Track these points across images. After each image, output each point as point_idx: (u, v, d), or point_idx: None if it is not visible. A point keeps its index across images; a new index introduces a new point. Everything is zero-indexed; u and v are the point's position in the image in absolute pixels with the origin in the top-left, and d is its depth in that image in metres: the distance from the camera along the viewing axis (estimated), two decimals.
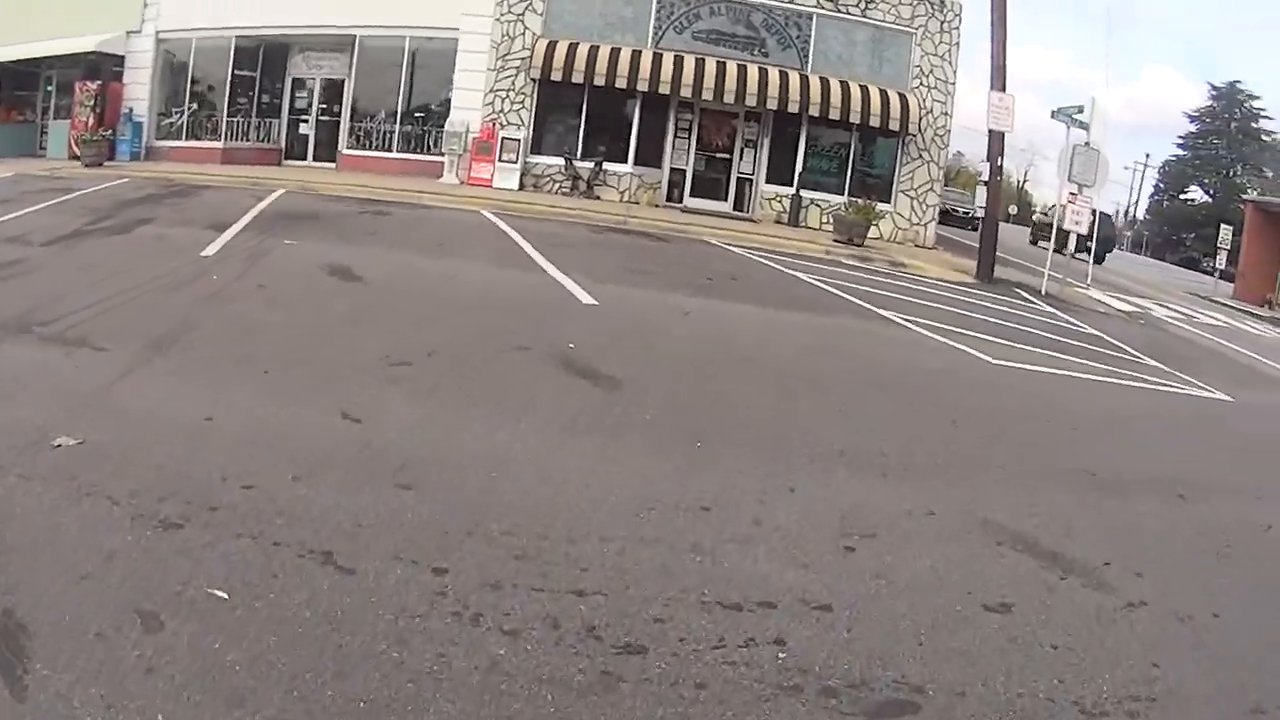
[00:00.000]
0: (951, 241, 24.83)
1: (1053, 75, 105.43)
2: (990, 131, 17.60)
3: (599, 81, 19.26)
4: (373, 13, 21.79)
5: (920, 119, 20.30)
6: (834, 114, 19.58)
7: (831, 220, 18.57)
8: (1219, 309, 23.93)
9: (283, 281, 8.57)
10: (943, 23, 21.10)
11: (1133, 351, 11.63)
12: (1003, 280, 17.46)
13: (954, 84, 21.36)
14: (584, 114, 20.58)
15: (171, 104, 23.77)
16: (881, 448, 5.57)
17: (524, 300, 8.78)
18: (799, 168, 20.58)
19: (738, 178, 21.25)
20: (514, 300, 8.77)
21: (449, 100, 21.34)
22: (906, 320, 10.62)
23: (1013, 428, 6.85)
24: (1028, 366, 9.22)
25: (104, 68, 22.79)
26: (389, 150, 22.28)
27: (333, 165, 22.31)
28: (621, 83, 19.21)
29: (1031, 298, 15.97)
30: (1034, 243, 29.09)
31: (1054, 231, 18.00)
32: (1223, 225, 35.12)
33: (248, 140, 23.45)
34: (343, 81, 23.31)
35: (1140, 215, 75.50)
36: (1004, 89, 17.63)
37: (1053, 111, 18.31)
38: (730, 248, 15.21)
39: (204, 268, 8.79)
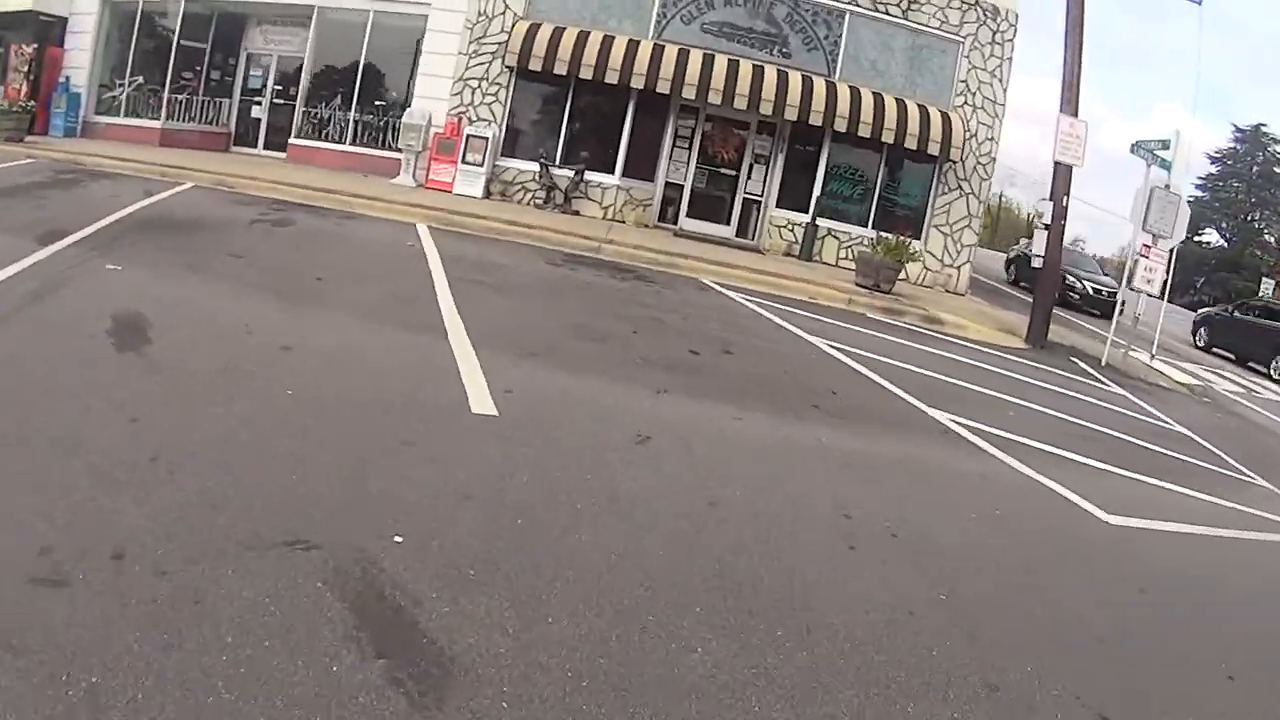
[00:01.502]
0: (982, 286, 20.86)
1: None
2: (1056, 164, 13.98)
3: (586, 74, 15.42)
4: None
5: (964, 143, 16.36)
6: (863, 130, 15.71)
7: (855, 259, 14.59)
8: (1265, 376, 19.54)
9: (26, 344, 5.07)
10: (995, 33, 17.25)
11: (1233, 463, 8.84)
12: (1057, 344, 14.03)
13: (1003, 106, 17.59)
14: (567, 113, 16.76)
15: (115, 75, 20.10)
16: None
17: (373, 403, 5.18)
18: (817, 191, 16.73)
19: (743, 199, 17.39)
20: (356, 404, 5.14)
21: (413, 87, 17.36)
22: (973, 430, 7.14)
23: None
24: (1152, 524, 5.94)
25: (51, 30, 19.35)
26: (342, 142, 18.45)
27: (284, 155, 18.41)
28: (613, 78, 15.34)
29: (1093, 370, 12.83)
30: (1014, 281, 25.79)
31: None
32: (1264, 279, 32.20)
33: (192, 121, 19.85)
34: (301, 60, 19.27)
35: None
36: (1076, 113, 13.83)
37: (1133, 145, 14.71)
38: (728, 292, 11.51)
39: None
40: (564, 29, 15.88)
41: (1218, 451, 9.14)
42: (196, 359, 5.29)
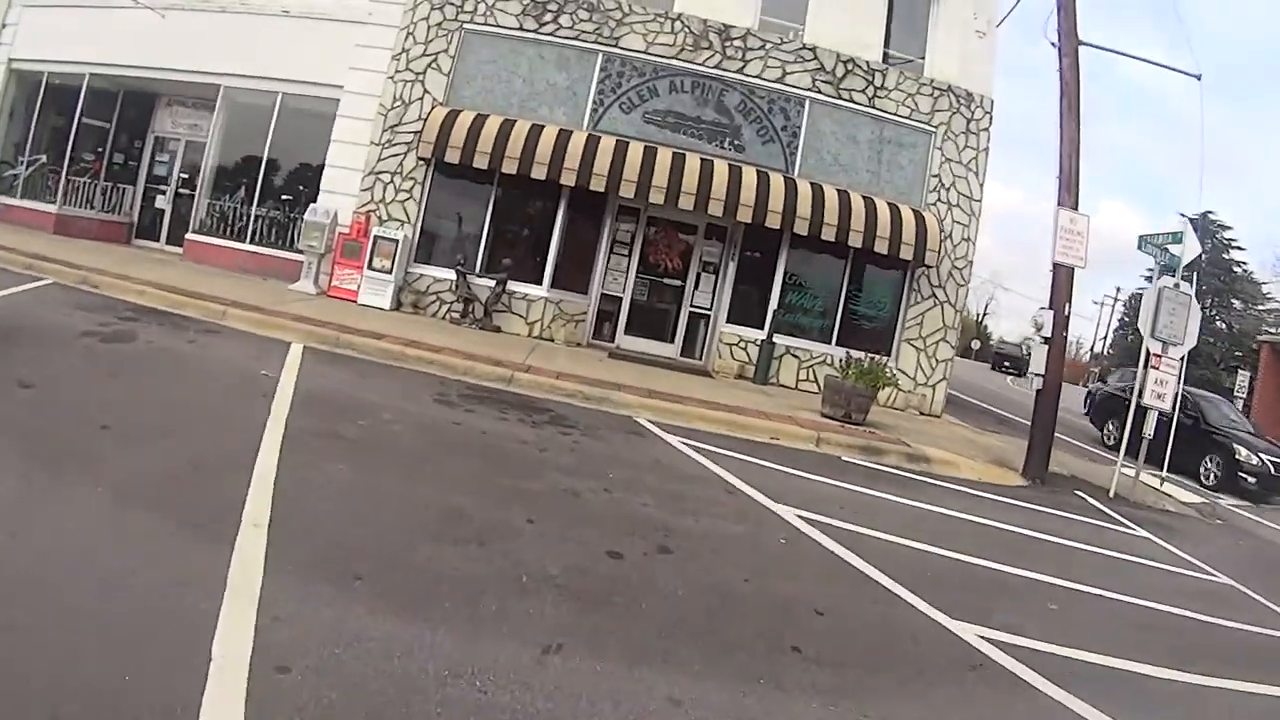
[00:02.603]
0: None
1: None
2: (1056, 266, 11.81)
3: (509, 168, 13.00)
4: (241, 58, 15.48)
5: (939, 245, 13.95)
6: (827, 233, 13.36)
7: (822, 385, 11.92)
8: None
9: None
10: (969, 121, 15.15)
11: None
12: (1056, 474, 11.82)
13: (980, 202, 15.28)
14: (489, 213, 14.29)
15: (19, 151, 17.77)
16: None
17: (41, 695, 2.41)
18: (773, 304, 14.31)
19: (690, 312, 14.91)
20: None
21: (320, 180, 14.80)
22: (1015, 653, 4.66)
23: None
24: None
25: None
26: (243, 240, 15.66)
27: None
28: (540, 172, 12.92)
29: (1104, 507, 10.71)
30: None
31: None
32: (1240, 372, 30.66)
33: (91, 208, 17.50)
34: (212, 146, 16.69)
35: (1102, 350, 70.63)
36: (1076, 205, 11.57)
37: (1140, 239, 12.50)
38: (669, 437, 9.06)
39: None
40: (486, 116, 13.43)
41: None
42: None
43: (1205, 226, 63.05)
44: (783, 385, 14.33)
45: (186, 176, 17.11)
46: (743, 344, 14.46)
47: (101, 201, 17.31)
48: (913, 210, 14.36)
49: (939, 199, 15.14)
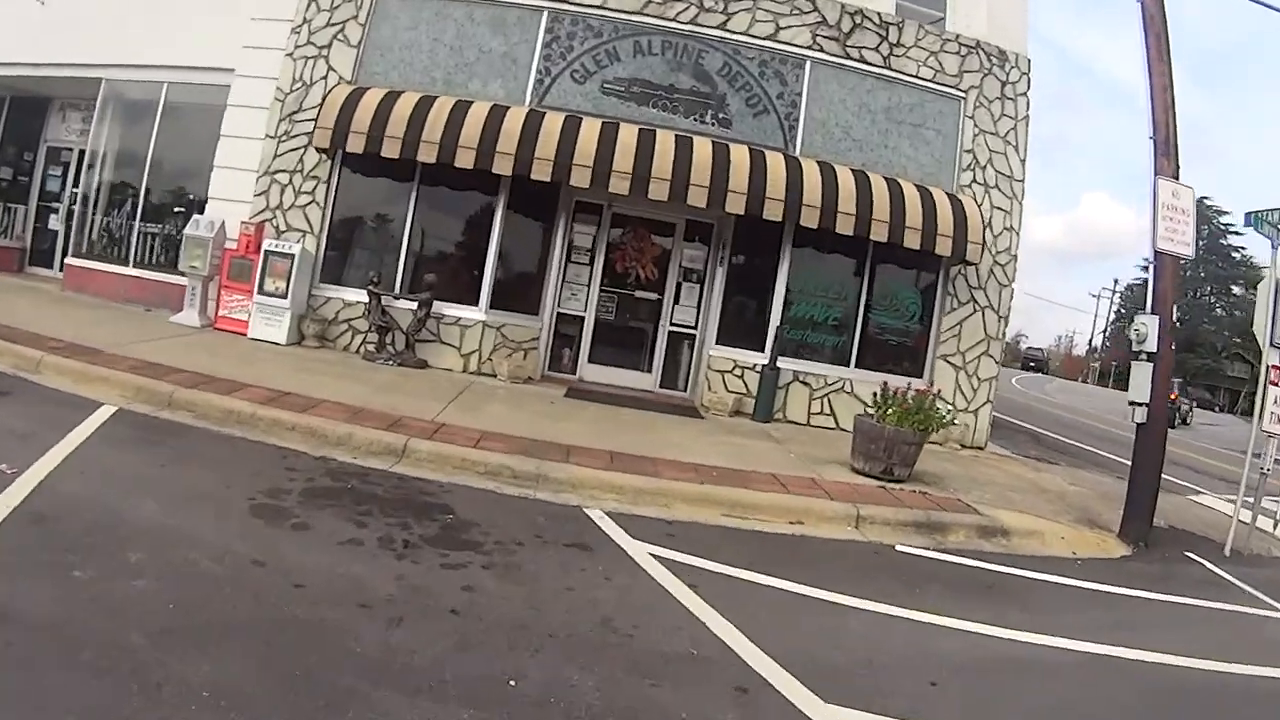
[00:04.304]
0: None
1: None
2: (1158, 255, 8.37)
3: (428, 156, 9.36)
4: (124, 44, 12.04)
5: (982, 237, 10.38)
6: (843, 225, 9.80)
7: (853, 432, 8.26)
8: None
9: None
10: (1004, 85, 11.64)
11: None
12: (1158, 530, 8.31)
13: (1022, 183, 11.65)
14: (410, 218, 10.62)
15: None
16: None
17: None
18: (775, 318, 10.77)
19: (669, 333, 11.25)
20: None
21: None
22: None
23: None
24: None
25: None
26: (126, 263, 12.10)
27: None
28: (467, 160, 9.35)
29: (1227, 575, 7.38)
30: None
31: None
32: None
33: None
34: (99, 154, 13.20)
35: (1099, 343, 67.21)
36: (1177, 175, 7.95)
37: (1250, 217, 9.18)
38: (635, 547, 5.72)
39: None
40: (399, 94, 9.88)
41: None
42: None
43: (1201, 212, 59.52)
44: (791, 421, 10.79)
45: (79, 191, 13.56)
46: (738, 371, 10.89)
47: None
48: (946, 194, 10.81)
49: (974, 179, 11.62)
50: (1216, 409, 50.89)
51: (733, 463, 7.68)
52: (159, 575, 3.77)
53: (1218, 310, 58.04)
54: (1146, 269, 60.50)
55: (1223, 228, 58.57)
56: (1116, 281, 70.13)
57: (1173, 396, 30.59)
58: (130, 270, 12.23)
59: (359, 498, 5.39)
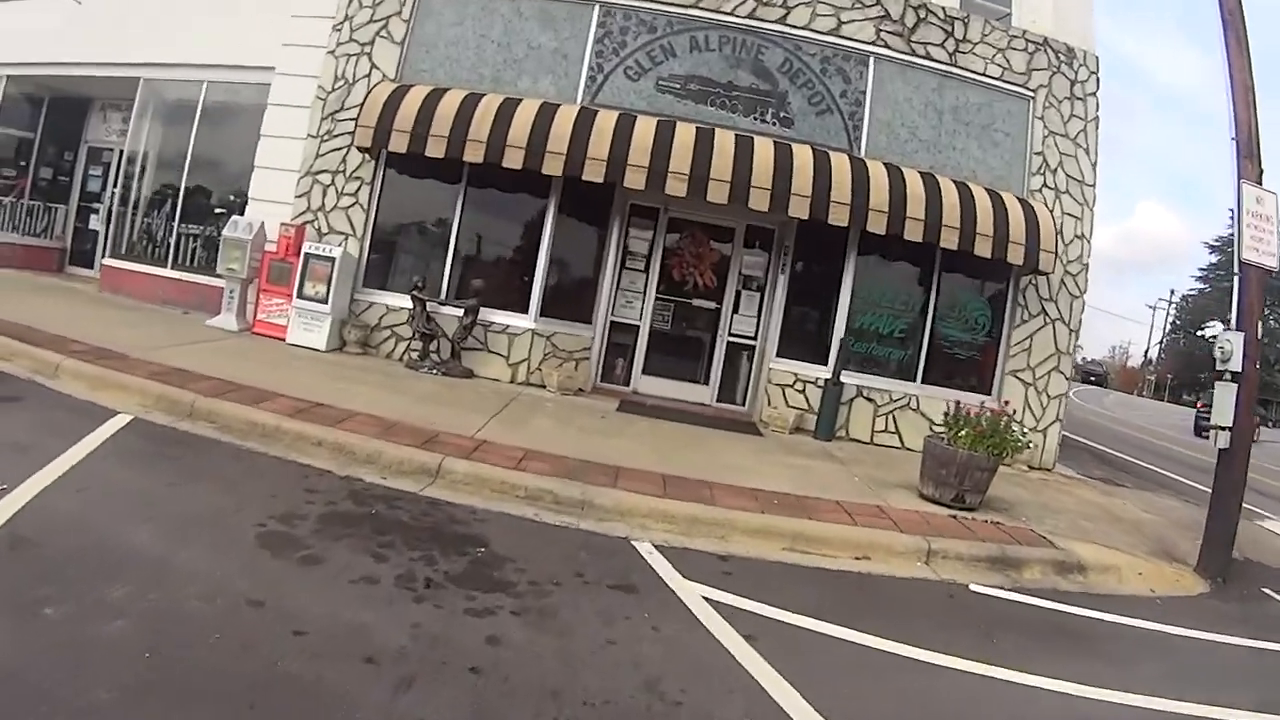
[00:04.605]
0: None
1: None
2: (1243, 266, 7.59)
3: (474, 155, 8.82)
4: (162, 43, 11.70)
5: (1055, 245, 9.66)
6: (911, 231, 9.15)
7: (922, 455, 7.57)
8: None
9: None
10: (1073, 84, 10.92)
11: None
12: (1234, 562, 7.49)
13: (1093, 189, 10.88)
14: (458, 221, 10.11)
15: None
16: None
17: None
18: (839, 329, 10.13)
19: (728, 343, 10.65)
20: None
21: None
22: None
23: None
24: None
25: None
26: (164, 264, 11.74)
27: None
28: (515, 160, 8.80)
29: None
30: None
31: None
32: None
33: (15, 232, 13.89)
34: (138, 154, 12.90)
35: (1155, 355, 65.18)
36: (1260, 179, 7.22)
37: None
38: (688, 589, 5.00)
39: None
40: (445, 91, 9.36)
41: None
42: None
43: None
44: (855, 440, 10.12)
45: (121, 192, 13.24)
46: (799, 385, 10.24)
47: (28, 224, 13.66)
48: (1017, 199, 10.08)
49: (1044, 184, 10.87)
50: (1270, 424, 49.25)
51: (794, 487, 7.05)
52: (141, 615, 3.24)
53: (1272, 322, 55.96)
54: (1203, 279, 58.86)
55: None
56: (1173, 292, 68.44)
57: None
58: (168, 271, 11.87)
59: (381, 526, 4.83)
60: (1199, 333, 59.84)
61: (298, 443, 6.06)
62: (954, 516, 7.05)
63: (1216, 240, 59.73)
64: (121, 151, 13.22)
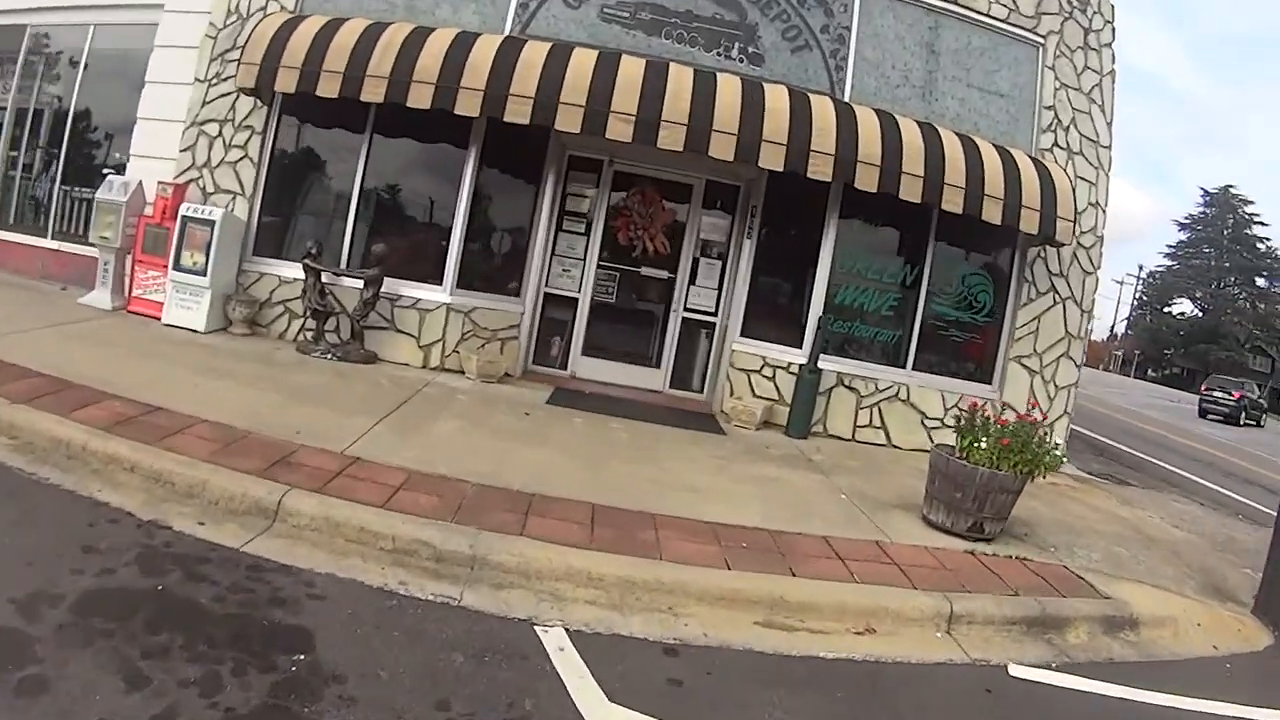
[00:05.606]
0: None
1: None
2: None
3: (374, 93, 6.93)
4: None
5: (1074, 212, 7.87)
6: (908, 189, 7.29)
7: (932, 475, 5.77)
8: None
9: None
10: (1086, 32, 9.05)
11: None
12: None
13: (1109, 151, 9.10)
14: (360, 175, 8.13)
15: None
16: None
17: None
18: (817, 305, 8.30)
19: (683, 320, 8.78)
20: None
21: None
22: None
23: None
24: None
25: None
26: (44, 233, 9.84)
27: None
28: (422, 98, 6.92)
29: None
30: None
31: None
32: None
33: None
34: (26, 112, 10.92)
35: (1119, 331, 63.87)
36: None
37: None
38: (606, 699, 3.13)
39: None
40: (343, 21, 7.43)
41: None
42: None
43: (1227, 201, 56.22)
44: (833, 436, 8.35)
45: (7, 154, 11.24)
46: (768, 370, 8.42)
47: None
48: (1030, 158, 8.29)
49: (1055, 143, 9.12)
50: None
51: (766, 516, 5.27)
52: None
53: (1241, 301, 54.75)
54: (1171, 256, 57.67)
55: (1248, 218, 55.23)
56: (1141, 268, 67.05)
57: (1236, 395, 27.84)
58: (49, 242, 9.93)
59: (163, 614, 3.04)
60: (1165, 309, 58.90)
61: (107, 467, 4.26)
62: (972, 553, 5.31)
63: (1186, 218, 58.55)
64: (4, 109, 11.26)
